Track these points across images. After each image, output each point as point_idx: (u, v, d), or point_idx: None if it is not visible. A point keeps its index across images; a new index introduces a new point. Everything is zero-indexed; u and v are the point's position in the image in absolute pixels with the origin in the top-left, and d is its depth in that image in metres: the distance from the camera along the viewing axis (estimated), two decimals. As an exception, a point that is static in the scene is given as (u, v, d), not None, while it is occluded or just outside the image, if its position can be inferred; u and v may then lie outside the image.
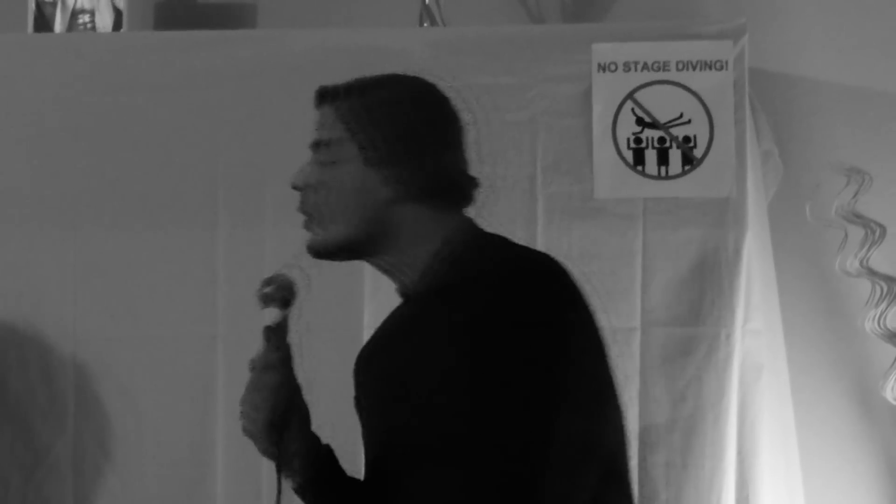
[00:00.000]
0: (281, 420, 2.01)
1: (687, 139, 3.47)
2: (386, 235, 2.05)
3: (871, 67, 3.79)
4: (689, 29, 3.51)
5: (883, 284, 3.55)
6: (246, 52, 3.55)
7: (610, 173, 3.48)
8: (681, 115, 3.48)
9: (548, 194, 3.47)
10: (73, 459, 3.50)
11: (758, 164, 3.55)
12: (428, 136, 2.04)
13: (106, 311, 3.49)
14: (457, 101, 2.12)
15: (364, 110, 2.04)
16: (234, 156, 3.53)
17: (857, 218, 3.56)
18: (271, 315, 2.07)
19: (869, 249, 3.55)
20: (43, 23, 3.74)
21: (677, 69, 3.48)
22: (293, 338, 2.08)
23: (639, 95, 3.49)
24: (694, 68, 3.48)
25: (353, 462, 2.15)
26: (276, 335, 2.06)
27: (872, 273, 3.56)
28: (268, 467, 3.16)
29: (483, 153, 3.10)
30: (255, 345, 2.09)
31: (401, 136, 2.02)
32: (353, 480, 2.10)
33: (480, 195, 2.12)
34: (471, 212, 2.12)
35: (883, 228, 3.55)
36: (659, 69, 3.49)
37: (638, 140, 3.48)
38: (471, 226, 2.08)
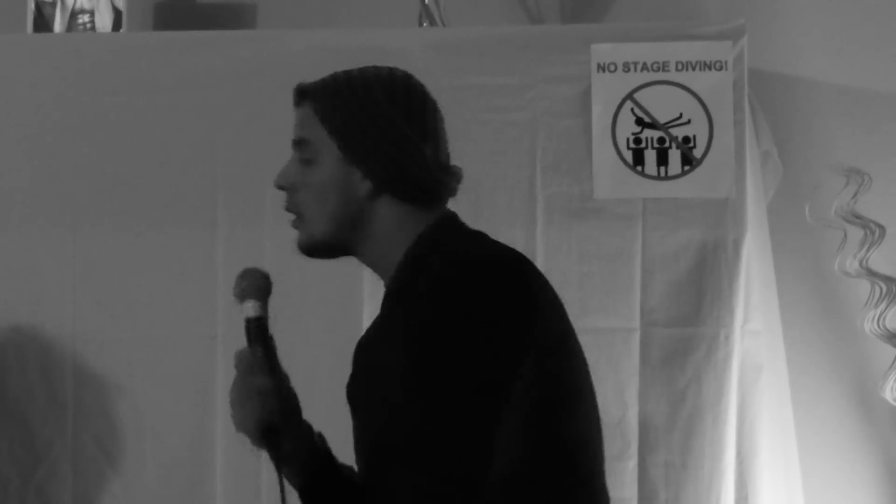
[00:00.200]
0: (271, 419, 2.01)
1: (686, 139, 3.48)
2: (366, 231, 2.06)
3: (870, 68, 3.79)
4: (689, 29, 3.52)
5: (882, 285, 3.55)
6: (245, 53, 3.55)
7: (609, 173, 3.48)
8: (680, 116, 3.48)
9: (547, 194, 3.47)
10: (72, 460, 3.50)
11: (757, 164, 3.55)
12: (404, 129, 2.03)
13: (105, 312, 3.49)
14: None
15: (340, 107, 2.05)
16: (234, 156, 3.52)
17: (857, 218, 3.56)
18: (248, 310, 2.08)
19: (868, 250, 3.55)
20: (42, 23, 3.74)
21: (677, 69, 3.48)
22: (274, 329, 2.08)
23: (638, 96, 3.49)
24: (693, 69, 3.48)
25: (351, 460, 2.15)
26: (258, 327, 2.06)
27: (872, 273, 3.56)
28: (267, 467, 3.15)
29: (482, 153, 3.12)
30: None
31: (376, 131, 2.03)
32: (347, 469, 2.10)
33: (461, 186, 2.12)
34: (462, 207, 2.12)
35: (882, 229, 3.55)
36: (658, 69, 3.49)
37: (637, 140, 3.48)
38: (447, 222, 2.08)
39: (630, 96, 3.49)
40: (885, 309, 3.56)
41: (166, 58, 3.55)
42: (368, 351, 2.07)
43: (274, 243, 3.47)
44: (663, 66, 3.49)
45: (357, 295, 3.43)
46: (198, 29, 3.78)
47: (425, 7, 3.66)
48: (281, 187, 2.12)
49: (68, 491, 3.50)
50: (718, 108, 3.47)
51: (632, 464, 3.43)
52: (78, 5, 3.74)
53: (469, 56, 3.47)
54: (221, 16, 3.94)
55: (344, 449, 2.14)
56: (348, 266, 2.17)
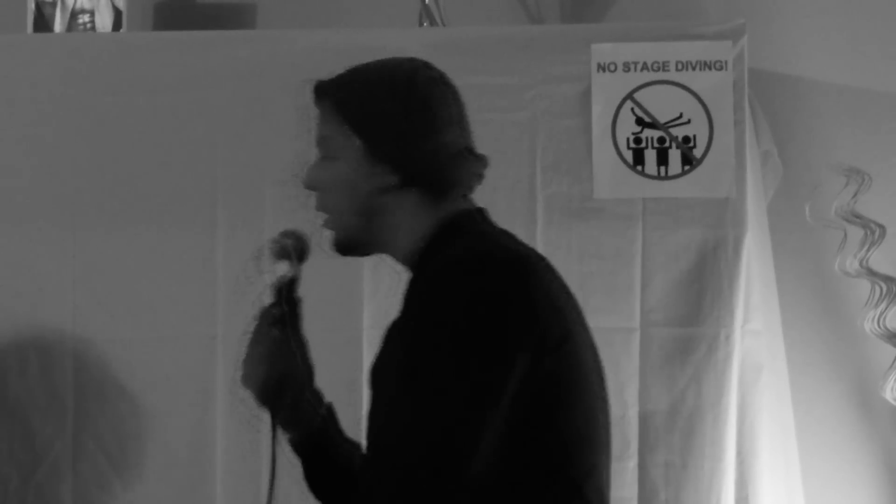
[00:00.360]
0: (280, 377, 2.01)
1: (686, 139, 3.48)
2: (394, 226, 2.05)
3: (870, 68, 3.79)
4: (689, 29, 3.52)
5: (882, 284, 3.55)
6: (245, 53, 3.55)
7: (609, 173, 3.48)
8: (680, 116, 3.48)
9: (547, 194, 3.47)
10: (72, 460, 3.50)
11: (757, 164, 3.55)
12: (424, 118, 2.03)
13: (105, 312, 3.49)
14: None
15: (358, 101, 2.05)
16: (234, 156, 3.52)
17: (857, 218, 3.56)
18: (282, 269, 2.07)
19: (868, 250, 3.55)
20: (42, 23, 3.74)
21: (677, 69, 3.48)
22: (304, 295, 2.08)
23: (638, 95, 3.49)
24: (693, 68, 3.48)
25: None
26: (287, 289, 2.06)
27: (872, 273, 3.56)
28: (267, 468, 3.15)
29: (482, 152, 3.08)
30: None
31: (397, 123, 2.02)
32: (352, 445, 2.09)
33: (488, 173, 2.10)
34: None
35: (882, 228, 3.55)
36: (658, 69, 3.49)
37: (637, 140, 3.48)
38: (467, 217, 2.07)
39: (630, 96, 3.49)
40: (886, 309, 3.56)
41: (166, 58, 3.55)
42: (388, 336, 2.06)
43: (274, 243, 3.47)
44: (663, 66, 3.49)
45: (357, 295, 3.43)
46: (198, 29, 3.78)
47: (425, 7, 3.66)
48: (309, 186, 2.11)
49: (68, 491, 3.49)
50: (718, 107, 3.47)
51: (632, 464, 3.44)
52: (78, 5, 3.74)
53: (469, 56, 3.46)
54: (221, 16, 3.94)
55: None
56: (349, 266, 2.18)
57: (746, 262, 3.45)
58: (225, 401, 3.44)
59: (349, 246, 2.10)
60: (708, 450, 3.43)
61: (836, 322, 3.73)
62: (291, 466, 2.13)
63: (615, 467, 3.48)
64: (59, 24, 3.74)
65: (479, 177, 2.10)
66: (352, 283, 3.39)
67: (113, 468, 3.50)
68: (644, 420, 3.43)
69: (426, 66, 2.10)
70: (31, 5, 3.74)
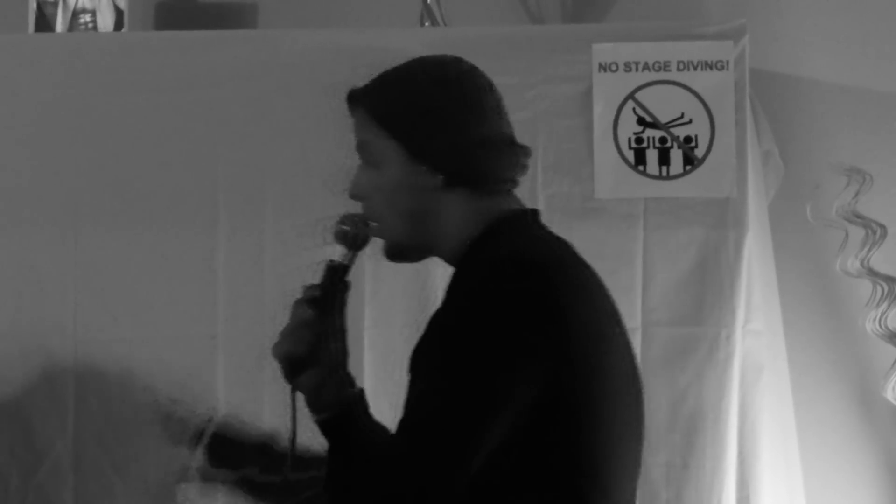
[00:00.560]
0: (304, 356, 2.00)
1: (688, 139, 3.47)
2: (441, 226, 2.05)
3: (871, 68, 3.79)
4: (690, 29, 3.51)
5: (884, 285, 3.55)
6: (247, 53, 3.55)
7: (611, 173, 3.48)
8: (682, 115, 3.48)
9: (548, 194, 3.47)
10: (73, 460, 3.49)
11: (758, 164, 3.55)
12: (460, 113, 2.02)
13: (106, 312, 3.49)
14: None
15: (392, 104, 2.03)
16: (235, 156, 3.52)
17: (858, 218, 3.56)
18: (336, 252, 2.06)
19: (870, 250, 3.55)
20: (44, 23, 3.74)
21: (678, 69, 3.48)
22: (354, 281, 2.07)
23: (640, 95, 3.49)
24: (695, 68, 3.48)
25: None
26: (338, 274, 2.05)
27: (873, 273, 3.56)
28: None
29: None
30: (255, 345, 2.09)
31: (435, 124, 2.01)
32: (382, 430, 2.06)
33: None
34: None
35: (884, 228, 3.55)
36: (660, 69, 3.49)
37: (639, 140, 3.48)
38: (513, 217, 2.06)
39: (631, 96, 3.49)
40: (887, 309, 3.55)
41: (167, 58, 3.55)
42: (430, 323, 2.06)
43: (274, 243, 3.47)
44: (664, 66, 3.49)
45: (358, 296, 3.42)
46: (199, 28, 3.78)
47: (426, 7, 3.66)
48: (355, 197, 2.09)
49: (69, 490, 3.49)
50: (720, 107, 3.47)
51: (633, 464, 3.43)
52: (79, 5, 3.74)
53: (470, 56, 3.42)
54: (223, 15, 3.94)
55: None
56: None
57: (747, 262, 3.45)
58: (225, 400, 3.44)
59: (400, 252, 2.09)
60: (709, 450, 3.42)
61: (837, 322, 3.73)
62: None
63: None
64: (60, 24, 3.74)
65: (523, 167, 2.09)
66: (353, 284, 3.38)
67: (114, 468, 3.50)
68: (644, 420, 3.42)
69: (457, 60, 2.10)
70: (33, 5, 3.74)
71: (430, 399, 1.90)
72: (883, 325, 3.56)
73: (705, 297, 3.46)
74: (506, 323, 1.89)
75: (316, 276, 2.10)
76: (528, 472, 1.91)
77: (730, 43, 3.48)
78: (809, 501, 3.52)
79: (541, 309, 1.91)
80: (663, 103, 3.48)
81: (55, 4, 3.74)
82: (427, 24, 3.66)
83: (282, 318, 2.08)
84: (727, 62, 3.47)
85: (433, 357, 1.94)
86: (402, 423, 1.94)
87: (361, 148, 2.08)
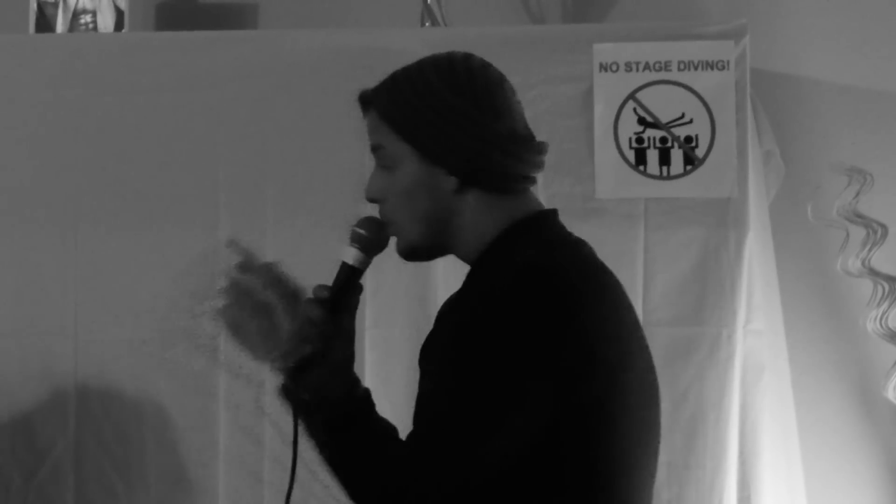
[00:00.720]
0: (310, 354, 1.99)
1: (689, 139, 3.47)
2: (457, 226, 2.03)
3: (872, 67, 3.79)
4: (691, 29, 3.51)
5: (885, 284, 3.55)
6: (247, 53, 3.55)
7: (611, 173, 3.48)
8: (682, 115, 3.48)
9: (549, 194, 3.47)
10: (74, 460, 3.50)
11: (759, 164, 3.55)
12: (475, 116, 2.00)
13: (107, 312, 3.49)
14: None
15: (406, 109, 2.01)
16: (236, 156, 3.52)
17: (859, 218, 3.56)
18: (350, 254, 2.05)
19: (871, 249, 3.55)
20: (44, 23, 3.74)
21: (679, 69, 3.48)
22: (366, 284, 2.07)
23: (640, 95, 3.49)
24: (695, 68, 3.48)
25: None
26: (351, 277, 2.04)
27: (874, 273, 3.56)
28: (270, 468, 3.16)
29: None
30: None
31: (448, 126, 2.00)
32: (389, 427, 2.03)
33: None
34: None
35: (884, 228, 3.55)
36: (660, 69, 3.49)
37: (640, 140, 3.48)
38: (534, 220, 2.06)
39: (632, 96, 3.49)
40: (888, 308, 3.55)
41: (168, 58, 3.55)
42: (442, 319, 2.06)
43: (275, 243, 3.47)
44: (665, 66, 3.49)
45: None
46: (200, 29, 3.78)
47: (427, 7, 3.66)
48: (372, 199, 2.08)
49: (70, 491, 3.50)
50: (720, 107, 3.47)
51: (634, 463, 3.43)
52: (80, 5, 3.74)
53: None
54: (223, 16, 3.94)
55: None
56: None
57: (748, 262, 3.45)
58: (225, 400, 3.44)
59: (416, 252, 2.08)
60: (710, 450, 3.43)
61: (838, 322, 3.73)
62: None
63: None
64: (60, 25, 3.74)
65: (538, 165, 2.08)
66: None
67: (115, 468, 3.50)
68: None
69: (468, 57, 2.08)
70: (33, 5, 3.74)
71: (441, 400, 1.90)
72: (884, 325, 3.56)
73: (706, 297, 3.46)
74: (528, 331, 1.88)
75: (317, 277, 2.10)
76: (543, 483, 1.90)
77: (730, 43, 3.48)
78: (810, 501, 3.52)
79: (564, 318, 1.91)
80: (664, 103, 3.48)
81: (56, 5, 3.74)
82: (427, 24, 3.66)
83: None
84: (728, 62, 3.47)
85: (446, 356, 1.92)
86: (415, 422, 1.94)
87: (376, 150, 2.07)
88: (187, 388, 3.48)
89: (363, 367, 3.41)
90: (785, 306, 3.56)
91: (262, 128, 3.52)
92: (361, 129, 2.12)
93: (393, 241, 2.09)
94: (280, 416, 2.13)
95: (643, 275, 3.46)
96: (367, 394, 2.03)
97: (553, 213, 2.10)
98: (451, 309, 2.04)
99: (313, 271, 2.13)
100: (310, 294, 2.03)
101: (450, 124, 2.00)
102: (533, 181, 2.09)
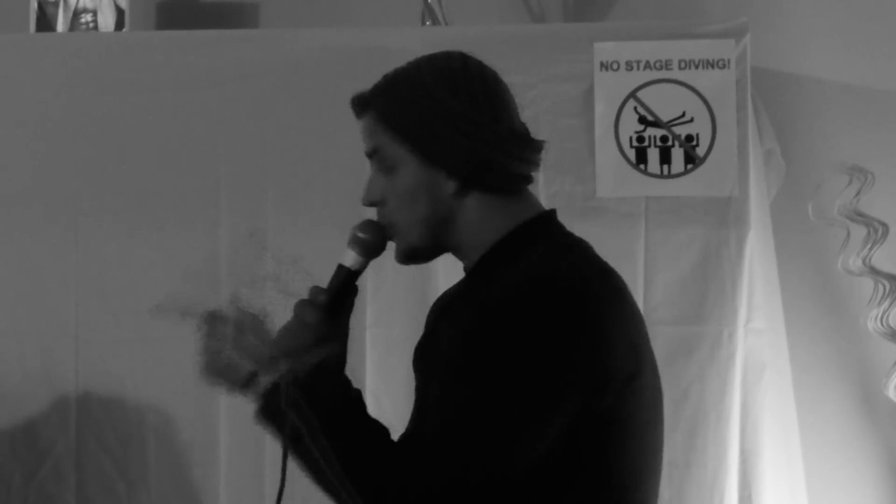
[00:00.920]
0: (300, 356, 1.99)
1: (689, 138, 3.47)
2: (458, 228, 2.02)
3: (873, 66, 3.79)
4: (692, 28, 3.51)
5: (885, 283, 3.55)
6: (248, 52, 3.55)
7: (612, 172, 3.48)
8: (683, 114, 3.47)
9: (550, 193, 3.47)
10: (75, 459, 3.50)
11: (760, 163, 3.55)
12: (474, 117, 1.99)
13: (108, 311, 3.49)
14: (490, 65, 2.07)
15: (405, 111, 2.00)
16: (236, 155, 3.53)
17: (860, 216, 3.56)
18: (348, 257, 2.05)
19: (871, 248, 3.55)
20: (45, 22, 3.74)
21: (679, 68, 3.48)
22: (363, 286, 2.06)
23: (641, 94, 3.49)
24: (696, 67, 3.48)
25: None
26: (344, 278, 2.04)
27: (875, 272, 3.56)
28: (271, 467, 3.15)
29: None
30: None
31: (447, 128, 1.98)
32: (380, 427, 2.01)
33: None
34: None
35: (885, 227, 3.55)
36: (661, 68, 3.49)
37: (640, 139, 3.48)
38: (537, 222, 2.05)
39: (633, 95, 3.49)
40: (889, 307, 3.55)
41: (169, 57, 3.55)
42: (443, 317, 2.05)
43: (276, 242, 3.47)
44: (666, 65, 3.49)
45: (360, 294, 3.42)
46: (200, 28, 3.78)
47: (428, 6, 3.66)
48: (370, 203, 2.06)
49: (71, 490, 3.50)
50: (721, 106, 3.47)
51: (635, 462, 3.43)
52: (80, 5, 3.74)
53: (471, 55, 3.46)
54: (224, 15, 3.94)
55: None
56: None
57: (749, 261, 3.45)
58: (227, 399, 3.44)
59: (415, 255, 2.07)
60: (711, 449, 3.42)
61: (839, 320, 3.73)
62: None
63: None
64: (61, 24, 3.74)
65: (537, 163, 2.06)
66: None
67: (116, 467, 3.50)
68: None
69: (463, 57, 2.06)
70: (34, 5, 3.74)
71: (448, 407, 1.87)
72: (885, 324, 3.56)
73: (707, 296, 3.46)
74: (544, 341, 1.87)
75: (318, 276, 2.10)
76: (556, 491, 1.89)
77: (731, 41, 3.48)
78: (811, 500, 3.52)
79: (580, 327, 1.89)
80: (665, 102, 3.48)
81: (56, 4, 3.74)
82: (428, 23, 3.66)
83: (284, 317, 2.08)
84: (729, 61, 3.47)
85: (453, 363, 1.90)
86: (415, 424, 1.92)
87: (374, 154, 2.04)
88: (188, 387, 3.48)
89: (364, 366, 3.41)
90: (786, 305, 3.56)
91: (262, 127, 3.52)
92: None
93: (391, 245, 2.08)
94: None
95: (644, 274, 3.46)
96: (359, 395, 2.02)
97: (553, 214, 2.08)
98: (454, 313, 2.01)
99: (314, 270, 2.13)
100: (305, 296, 2.02)
101: (450, 126, 1.98)
102: (531, 180, 2.08)
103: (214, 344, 2.06)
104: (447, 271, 3.27)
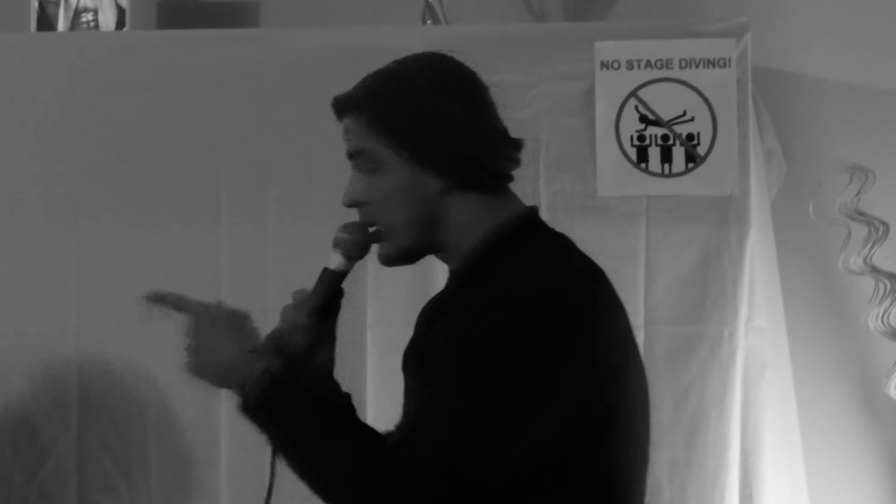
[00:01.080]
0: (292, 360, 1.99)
1: (690, 137, 3.47)
2: (443, 228, 2.02)
3: (873, 65, 3.79)
4: (692, 27, 3.51)
5: (886, 282, 3.55)
6: (248, 51, 3.55)
7: (613, 171, 3.48)
8: (684, 113, 3.48)
9: (551, 192, 3.47)
10: (76, 458, 3.50)
11: (761, 161, 3.55)
12: (461, 115, 1.99)
13: (108, 310, 3.49)
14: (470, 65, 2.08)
15: (390, 111, 2.00)
16: (237, 154, 3.53)
17: (861, 215, 3.56)
18: (334, 261, 2.04)
19: (872, 247, 3.55)
20: (46, 22, 3.74)
21: (680, 67, 3.48)
22: (356, 279, 2.06)
23: (642, 93, 3.49)
24: (697, 66, 3.48)
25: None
26: (331, 280, 2.04)
27: (876, 270, 3.56)
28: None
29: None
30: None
31: (433, 127, 1.98)
32: (370, 433, 2.00)
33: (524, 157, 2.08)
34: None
35: (886, 226, 3.55)
36: (662, 67, 3.49)
37: (641, 138, 3.48)
38: (523, 221, 2.04)
39: (634, 94, 3.49)
40: (889, 306, 3.55)
41: (169, 56, 3.55)
42: (436, 318, 2.04)
43: (277, 241, 3.47)
44: (667, 64, 3.49)
45: (361, 294, 3.43)
46: (201, 27, 3.78)
47: (428, 5, 3.67)
48: (353, 204, 2.06)
49: (72, 489, 3.50)
50: (722, 105, 3.47)
51: (636, 461, 3.43)
52: (81, 4, 3.74)
53: (471, 54, 3.45)
54: (225, 14, 3.94)
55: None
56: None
57: (750, 260, 3.45)
58: (228, 398, 3.43)
59: (401, 257, 2.07)
60: (712, 447, 3.43)
61: (839, 319, 3.73)
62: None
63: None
64: (62, 23, 3.74)
65: (518, 161, 2.05)
66: (355, 282, 3.37)
67: (117, 467, 3.50)
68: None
69: (442, 58, 2.07)
70: (35, 4, 3.74)
71: (442, 409, 1.87)
72: (885, 323, 3.56)
73: (708, 295, 3.46)
74: (538, 338, 1.87)
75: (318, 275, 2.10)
76: (552, 488, 1.89)
77: (732, 40, 3.48)
78: (812, 499, 3.52)
79: (572, 327, 1.89)
80: (665, 101, 3.48)
81: (57, 3, 3.74)
82: (429, 22, 3.66)
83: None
84: (729, 60, 3.47)
85: (445, 366, 1.89)
86: (412, 430, 1.91)
87: (359, 155, 2.04)
88: (189, 386, 3.47)
89: (365, 366, 3.41)
90: (787, 304, 3.56)
91: (263, 126, 3.51)
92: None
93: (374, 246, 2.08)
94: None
95: (645, 273, 3.46)
96: (348, 398, 2.02)
97: (535, 211, 2.08)
98: (446, 314, 2.00)
99: (314, 269, 2.13)
100: (293, 296, 2.03)
101: (436, 125, 1.98)
102: (512, 178, 2.07)
103: (197, 340, 2.05)
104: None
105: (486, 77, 3.38)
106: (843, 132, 3.75)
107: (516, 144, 2.06)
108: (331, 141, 3.46)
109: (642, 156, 3.48)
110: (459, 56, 2.10)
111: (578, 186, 3.48)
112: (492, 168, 2.01)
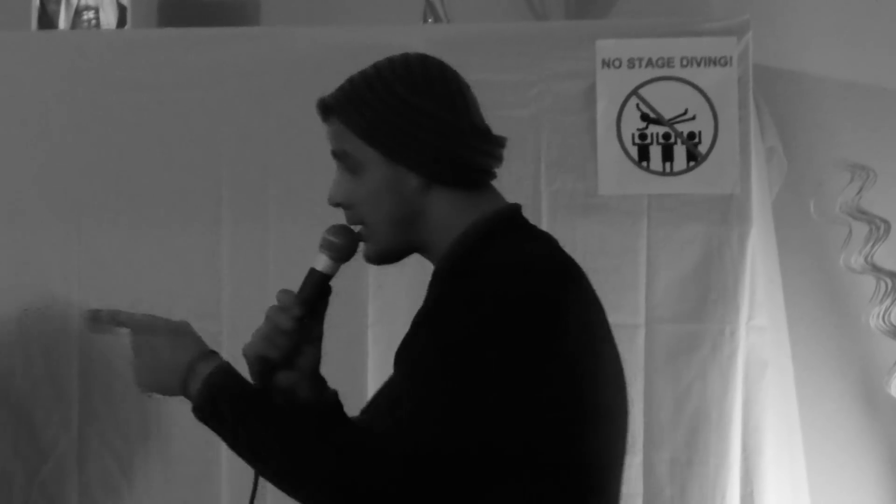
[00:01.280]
0: (278, 359, 2.00)
1: (691, 135, 3.47)
2: (425, 226, 2.04)
3: (875, 64, 3.79)
4: (694, 25, 3.52)
5: (887, 280, 3.55)
6: (249, 50, 3.55)
7: (614, 170, 3.48)
8: (685, 112, 3.47)
9: (552, 191, 3.47)
10: (77, 457, 3.50)
11: (762, 160, 3.55)
12: (435, 114, 2.01)
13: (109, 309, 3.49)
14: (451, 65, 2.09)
15: (367, 113, 2.02)
16: (238, 153, 3.53)
17: (862, 214, 3.56)
18: (321, 262, 2.05)
19: (873, 245, 3.55)
20: (47, 20, 3.74)
21: (681, 65, 3.48)
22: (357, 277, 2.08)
23: (643, 91, 3.49)
24: (698, 65, 3.48)
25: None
26: (316, 281, 2.04)
27: (877, 269, 3.56)
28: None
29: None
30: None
31: (410, 126, 2.00)
32: (359, 431, 2.03)
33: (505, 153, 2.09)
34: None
35: (887, 224, 3.55)
36: (663, 65, 3.49)
37: (642, 136, 3.48)
38: (502, 217, 2.05)
39: (635, 92, 3.49)
40: (891, 305, 3.55)
41: (170, 55, 3.55)
42: (416, 319, 2.06)
43: (278, 240, 3.47)
44: (668, 62, 3.49)
45: (363, 291, 3.43)
46: (202, 26, 3.78)
47: (429, 4, 3.67)
48: (337, 204, 2.10)
49: (73, 488, 3.50)
50: (723, 103, 3.47)
51: (637, 460, 3.43)
52: (82, 2, 3.74)
53: (473, 53, 3.46)
54: (225, 13, 3.94)
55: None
56: (353, 262, 2.17)
57: (751, 259, 3.45)
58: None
59: (384, 256, 2.09)
60: (713, 446, 3.43)
61: (840, 318, 3.73)
62: None
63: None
64: (63, 22, 3.74)
65: (499, 158, 2.07)
66: (357, 280, 3.39)
67: (118, 466, 3.51)
68: (649, 417, 3.43)
69: (423, 57, 2.08)
70: (36, 3, 3.74)
71: (427, 403, 1.88)
72: (887, 321, 3.56)
73: (709, 294, 3.46)
74: (512, 329, 1.88)
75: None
76: (532, 481, 1.90)
77: (733, 39, 3.48)
78: (813, 497, 3.52)
79: (549, 317, 1.90)
80: (667, 99, 3.48)
81: (58, 2, 3.74)
82: (430, 20, 3.66)
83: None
84: (731, 58, 3.47)
85: (429, 363, 1.91)
86: (396, 424, 1.91)
87: (341, 156, 2.08)
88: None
89: (366, 363, 3.41)
90: (788, 303, 3.56)
91: (264, 124, 3.52)
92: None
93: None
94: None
95: (646, 271, 3.46)
96: (335, 396, 2.03)
97: (518, 207, 2.09)
98: (423, 314, 2.03)
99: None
100: (277, 296, 2.04)
101: (412, 124, 2.00)
102: (494, 175, 2.08)
103: (139, 355, 2.14)
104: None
105: (487, 76, 3.39)
106: (844, 131, 3.75)
107: (496, 141, 2.07)
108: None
109: (643, 154, 3.48)
110: (447, 56, 2.11)
111: (579, 185, 3.48)
112: (467, 163, 2.02)
